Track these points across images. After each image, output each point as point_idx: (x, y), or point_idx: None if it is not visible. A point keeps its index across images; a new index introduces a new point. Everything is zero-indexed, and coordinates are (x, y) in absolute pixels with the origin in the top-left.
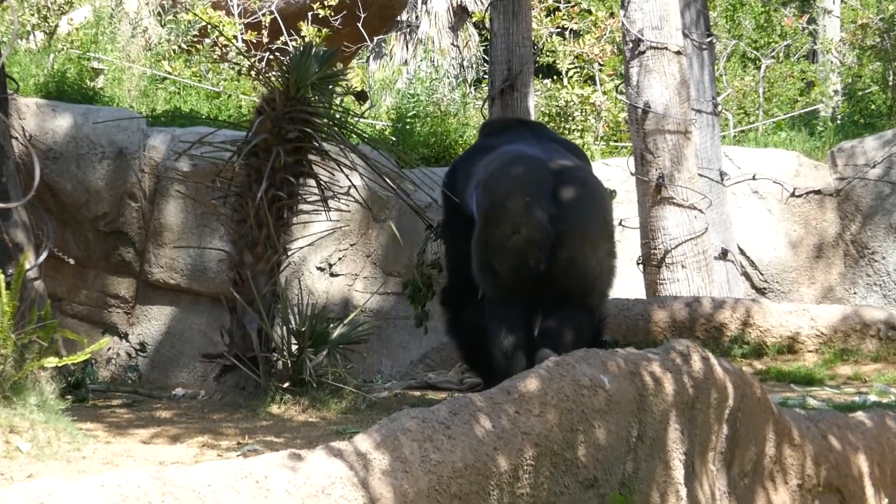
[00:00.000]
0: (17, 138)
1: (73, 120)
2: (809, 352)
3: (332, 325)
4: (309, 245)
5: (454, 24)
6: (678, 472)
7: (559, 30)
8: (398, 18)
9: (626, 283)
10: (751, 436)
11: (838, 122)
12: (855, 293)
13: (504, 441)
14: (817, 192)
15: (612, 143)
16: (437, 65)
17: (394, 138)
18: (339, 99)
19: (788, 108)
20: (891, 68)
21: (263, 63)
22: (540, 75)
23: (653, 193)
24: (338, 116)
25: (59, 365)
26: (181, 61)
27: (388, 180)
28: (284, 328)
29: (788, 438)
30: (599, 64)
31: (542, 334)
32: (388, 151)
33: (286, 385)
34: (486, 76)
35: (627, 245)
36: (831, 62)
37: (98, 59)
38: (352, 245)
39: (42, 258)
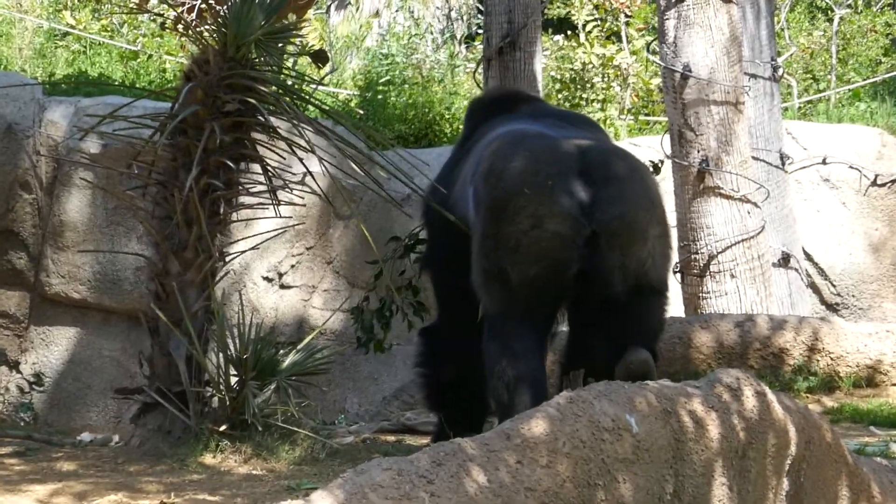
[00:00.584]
0: None
1: None
2: (894, 385)
3: (282, 352)
4: (253, 249)
5: None
6: None
7: None
8: None
9: None
10: (819, 492)
11: None
12: None
13: (503, 499)
14: None
15: (641, 118)
16: (417, 17)
17: (362, 111)
18: (291, 61)
19: (869, 72)
20: None
21: (194, 14)
22: (550, 30)
23: (694, 182)
24: (289, 83)
25: None
26: (87, 12)
27: (354, 165)
28: (221, 355)
29: (867, 495)
30: (626, 15)
31: (597, 342)
32: (355, 128)
33: (223, 428)
34: (480, 31)
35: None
36: None
37: None
38: (308, 249)
39: None
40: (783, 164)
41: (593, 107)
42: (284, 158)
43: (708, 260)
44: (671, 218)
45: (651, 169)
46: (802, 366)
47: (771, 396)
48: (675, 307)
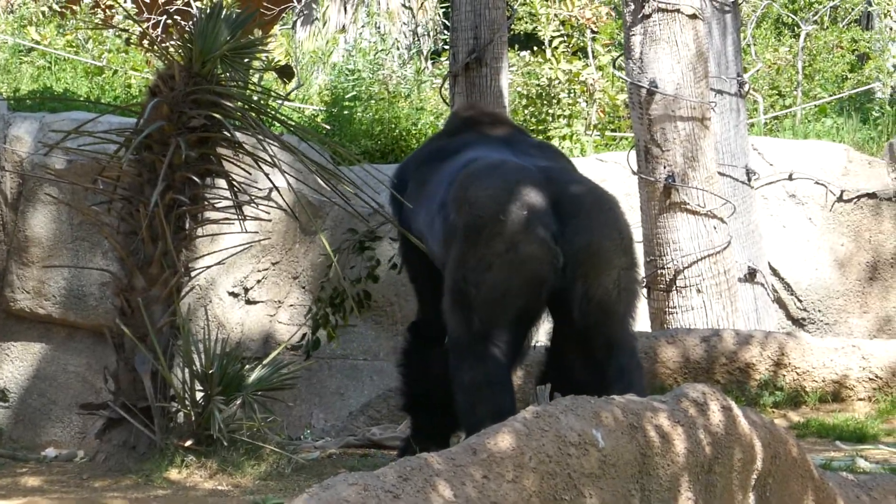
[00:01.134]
0: None
1: None
2: (860, 400)
3: (248, 367)
4: (219, 264)
5: None
6: None
7: None
8: None
9: None
10: None
11: None
12: None
13: None
14: (872, 195)
15: (608, 134)
16: (384, 32)
17: (328, 127)
18: (256, 76)
19: (835, 87)
20: None
21: (159, 30)
22: (516, 46)
23: (660, 197)
24: (255, 99)
25: None
26: (52, 27)
27: (320, 180)
28: (187, 371)
29: None
30: (593, 31)
31: (592, 391)
32: (321, 144)
33: (189, 443)
34: (446, 47)
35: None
36: (891, 29)
37: None
38: (274, 264)
39: None
40: (749, 179)
41: (559, 122)
42: (250, 174)
43: (674, 275)
44: (637, 234)
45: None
46: (768, 381)
47: (737, 411)
48: (641, 322)
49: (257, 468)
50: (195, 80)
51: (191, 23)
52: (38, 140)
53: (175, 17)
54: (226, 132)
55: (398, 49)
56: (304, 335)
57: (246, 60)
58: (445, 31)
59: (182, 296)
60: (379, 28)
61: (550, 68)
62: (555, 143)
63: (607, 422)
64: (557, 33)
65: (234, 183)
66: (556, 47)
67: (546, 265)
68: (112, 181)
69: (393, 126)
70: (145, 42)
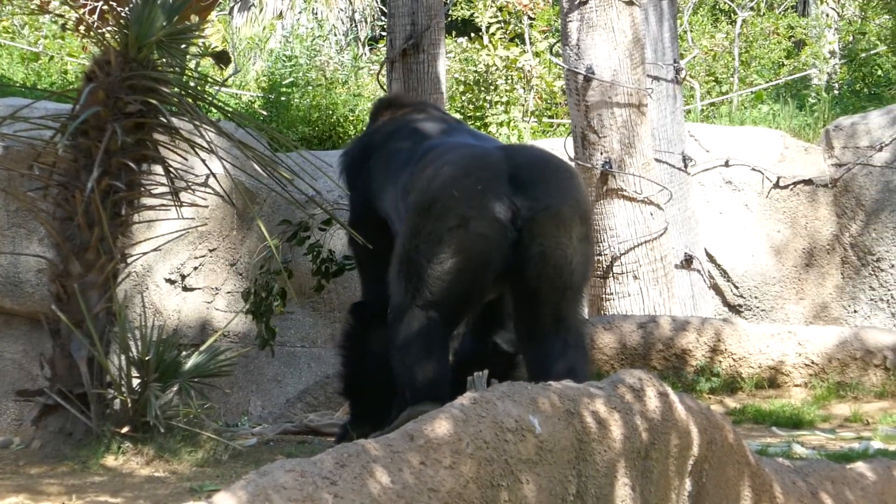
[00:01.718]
0: None
1: None
2: (796, 386)
3: (184, 354)
4: (155, 250)
5: None
6: None
7: None
8: None
9: None
10: (721, 493)
11: (835, 92)
12: (855, 311)
13: (406, 500)
14: (808, 181)
15: (545, 120)
16: (321, 18)
17: (265, 113)
18: (193, 62)
19: (771, 74)
20: None
21: (95, 15)
22: (454, 32)
23: (597, 184)
24: (192, 84)
25: None
26: None
27: (257, 167)
28: (123, 357)
29: (769, 496)
30: (530, 18)
31: (536, 366)
32: (258, 130)
33: (125, 430)
34: (383, 33)
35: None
36: (827, 15)
37: None
38: (211, 251)
39: None
40: (686, 166)
41: (497, 109)
42: (187, 160)
43: (611, 261)
44: None
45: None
46: (705, 367)
47: (673, 397)
48: None
49: (194, 455)
50: (131, 65)
51: (127, 8)
52: None
53: (111, 2)
54: (162, 118)
55: (335, 35)
56: (258, 330)
57: (182, 46)
58: (383, 18)
59: (118, 282)
60: (316, 14)
61: (488, 55)
62: (492, 129)
63: (544, 408)
64: (495, 20)
65: (171, 169)
66: (493, 34)
67: (496, 244)
68: (48, 167)
69: (330, 112)
70: (81, 28)
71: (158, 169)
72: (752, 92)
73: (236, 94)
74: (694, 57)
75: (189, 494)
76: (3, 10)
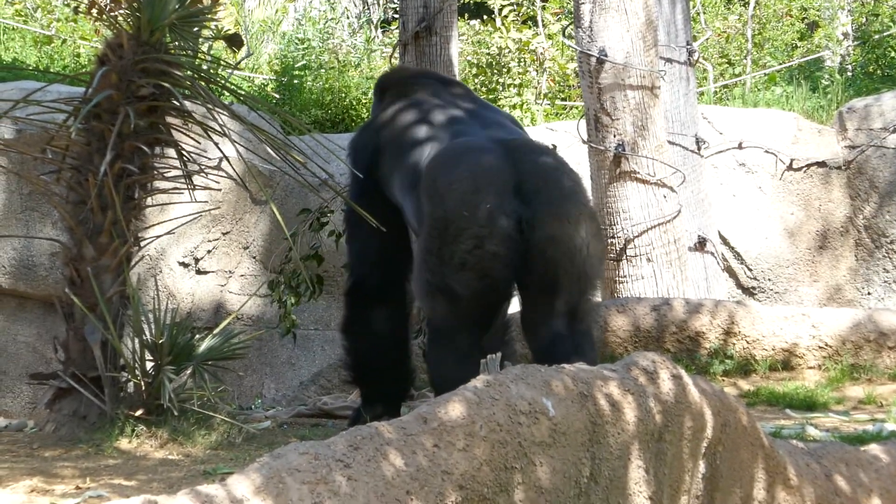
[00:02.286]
0: None
1: None
2: (810, 368)
3: (198, 337)
4: (168, 234)
5: None
6: None
7: None
8: None
9: None
10: (735, 475)
11: (849, 74)
12: (869, 293)
13: (420, 483)
14: (821, 164)
15: (558, 103)
16: (333, 1)
17: (278, 96)
18: (206, 45)
19: (784, 56)
20: None
21: None
22: (466, 15)
23: (610, 166)
24: (205, 68)
25: None
26: None
27: (270, 150)
28: (137, 340)
29: (783, 478)
30: (542, 0)
31: (542, 354)
32: (271, 113)
33: (139, 413)
34: (396, 16)
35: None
36: None
37: None
38: (224, 234)
39: None
40: (699, 148)
41: (510, 91)
42: (200, 143)
43: (624, 244)
44: None
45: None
46: (718, 349)
47: (687, 379)
48: None
49: (208, 438)
50: (144, 48)
51: None
52: None
53: None
54: (175, 101)
55: (348, 18)
56: (280, 315)
57: (195, 29)
58: (395, 0)
59: (132, 265)
60: None
61: (500, 37)
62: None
63: (558, 390)
64: (507, 2)
65: (184, 152)
66: (505, 16)
67: (510, 261)
68: (61, 150)
69: (343, 95)
70: (94, 11)
71: (171, 152)
72: (765, 74)
73: (249, 77)
74: (707, 39)
75: (203, 477)
76: None
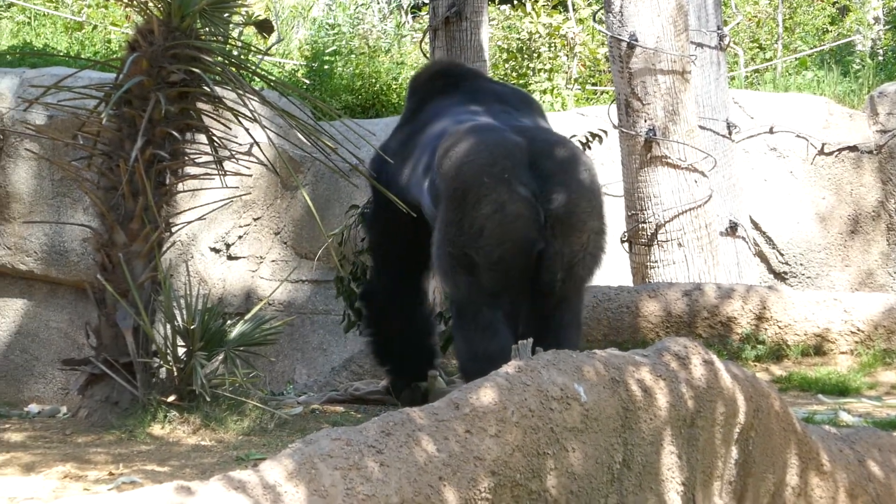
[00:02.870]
0: None
1: None
2: (842, 353)
3: (230, 323)
4: (199, 219)
5: None
6: None
7: None
8: None
9: (608, 266)
10: (767, 461)
11: (880, 58)
12: None
13: (452, 469)
14: (853, 148)
15: (588, 88)
16: None
17: (308, 82)
18: (236, 31)
19: (815, 40)
20: None
21: None
22: (496, 0)
23: (641, 151)
24: (235, 53)
25: None
26: None
27: (301, 136)
28: (168, 326)
29: (816, 464)
30: None
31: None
32: (301, 99)
33: (171, 399)
34: (426, 1)
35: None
36: None
37: None
38: (255, 220)
39: None
40: (730, 133)
41: (540, 76)
42: (230, 129)
43: (655, 229)
44: (619, 188)
45: (594, 140)
46: (750, 334)
47: (719, 365)
48: (622, 277)
49: (240, 423)
50: (174, 34)
51: None
52: (17, 95)
53: None
54: (205, 87)
55: (378, 3)
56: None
57: (225, 15)
58: None
59: (163, 251)
60: None
61: (531, 22)
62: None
63: (589, 376)
64: None
65: (215, 138)
66: (536, 1)
67: (532, 222)
68: (92, 136)
69: (373, 81)
70: None
71: (202, 138)
72: (796, 58)
73: (279, 63)
74: (738, 23)
75: (235, 463)
76: None
